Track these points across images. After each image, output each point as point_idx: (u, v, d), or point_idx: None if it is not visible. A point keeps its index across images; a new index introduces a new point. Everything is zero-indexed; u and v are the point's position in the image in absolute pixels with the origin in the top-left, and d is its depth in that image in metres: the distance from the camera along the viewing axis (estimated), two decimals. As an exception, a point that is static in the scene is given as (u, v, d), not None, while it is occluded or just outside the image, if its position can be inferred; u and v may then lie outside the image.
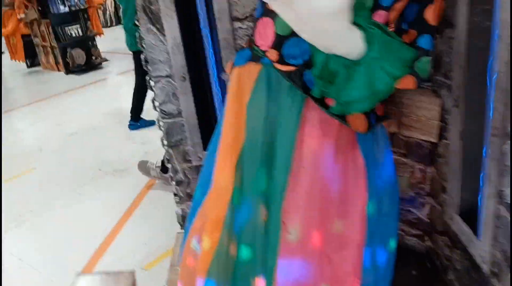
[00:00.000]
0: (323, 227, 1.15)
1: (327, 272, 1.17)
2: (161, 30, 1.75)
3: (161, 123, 1.91)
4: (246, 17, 1.75)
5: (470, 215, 1.28)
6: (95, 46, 6.52)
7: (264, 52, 1.12)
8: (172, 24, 1.72)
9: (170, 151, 1.96)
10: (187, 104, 1.86)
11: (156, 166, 3.14)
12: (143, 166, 3.21)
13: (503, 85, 0.98)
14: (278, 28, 1.07)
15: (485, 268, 1.16)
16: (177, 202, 2.18)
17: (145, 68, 1.94)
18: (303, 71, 1.06)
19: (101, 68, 6.64)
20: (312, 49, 0.96)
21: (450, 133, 1.28)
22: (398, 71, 0.86)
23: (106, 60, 6.61)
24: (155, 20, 1.73)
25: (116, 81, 6.26)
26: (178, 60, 1.79)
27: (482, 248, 1.17)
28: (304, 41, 1.04)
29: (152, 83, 1.88)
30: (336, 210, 1.14)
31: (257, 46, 1.14)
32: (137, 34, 1.85)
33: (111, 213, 2.94)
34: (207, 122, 1.97)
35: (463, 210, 1.31)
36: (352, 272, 1.18)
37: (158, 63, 1.81)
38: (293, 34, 1.04)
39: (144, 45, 1.85)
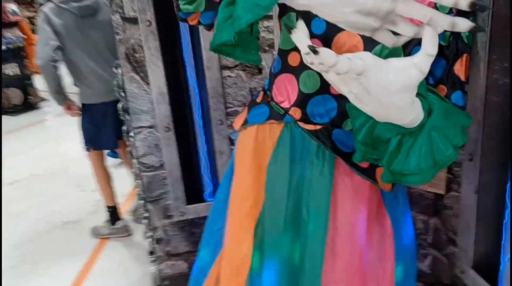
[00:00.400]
0: None
1: None
2: (144, 78, 1.64)
3: (142, 176, 1.76)
4: (236, 65, 1.70)
5: (485, 270, 1.27)
6: (33, 85, 6.14)
7: (285, 109, 1.05)
8: (157, 72, 1.62)
9: (150, 206, 1.80)
10: (170, 155, 1.74)
11: (104, 222, 2.92)
12: (95, 231, 2.99)
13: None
14: (302, 86, 1.01)
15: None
16: (152, 261, 2.00)
17: (122, 118, 1.80)
18: (331, 131, 1.01)
19: (38, 108, 6.24)
20: (349, 110, 0.90)
21: (462, 186, 1.29)
22: (459, 139, 0.82)
23: (44, 99, 6.23)
24: (139, 68, 1.62)
25: (56, 123, 5.89)
26: (163, 109, 1.68)
27: (508, 305, 1.16)
28: (330, 99, 0.99)
29: (131, 134, 1.75)
30: (369, 277, 1.08)
31: (276, 103, 1.07)
32: (115, 82, 1.73)
33: (64, 274, 2.65)
34: (191, 175, 1.85)
35: (477, 265, 1.30)
36: None
37: (140, 113, 1.68)
38: (318, 91, 0.99)
39: (123, 94, 1.72)
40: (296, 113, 1.03)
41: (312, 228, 1.03)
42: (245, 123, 1.13)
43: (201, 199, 1.87)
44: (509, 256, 1.14)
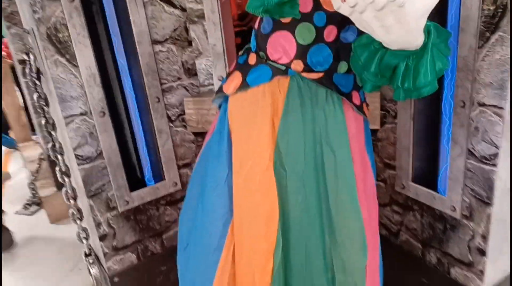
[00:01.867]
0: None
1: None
2: (71, 60, 1.48)
3: (79, 170, 1.60)
4: (166, 39, 1.66)
5: (424, 181, 1.57)
6: None
7: (285, 64, 1.12)
8: (85, 52, 1.49)
9: (90, 202, 1.65)
10: (108, 142, 1.62)
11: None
12: None
13: (469, 66, 1.27)
14: (299, 38, 1.09)
15: (456, 214, 1.46)
16: (91, 263, 1.84)
17: (39, 110, 1.60)
18: (331, 75, 1.12)
19: None
20: (355, 49, 1.03)
21: (399, 114, 1.54)
22: (448, 51, 1.02)
23: None
24: (64, 50, 1.46)
25: None
26: (95, 93, 1.55)
27: (451, 199, 1.46)
28: (324, 47, 1.11)
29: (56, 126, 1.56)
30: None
31: (274, 61, 1.13)
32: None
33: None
34: (128, 161, 1.75)
35: (416, 179, 1.60)
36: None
37: (70, 100, 1.52)
38: (314, 42, 1.10)
39: (37, 83, 1.53)
40: (298, 65, 1.11)
41: (340, 160, 1.13)
42: (245, 85, 1.16)
43: (142, 185, 1.79)
44: (448, 164, 1.44)
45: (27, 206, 3.41)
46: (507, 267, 1.54)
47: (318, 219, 1.17)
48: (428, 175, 1.56)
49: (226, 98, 1.25)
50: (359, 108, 1.16)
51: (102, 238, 1.72)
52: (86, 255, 1.85)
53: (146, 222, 1.82)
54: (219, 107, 1.32)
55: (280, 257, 1.15)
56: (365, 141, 1.26)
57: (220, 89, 1.26)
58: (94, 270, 1.84)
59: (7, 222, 3.09)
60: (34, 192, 3.40)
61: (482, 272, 1.45)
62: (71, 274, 2.68)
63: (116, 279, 1.79)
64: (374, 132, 1.66)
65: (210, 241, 1.25)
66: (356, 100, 1.16)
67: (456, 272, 1.55)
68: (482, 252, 1.43)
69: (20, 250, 2.97)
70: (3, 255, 2.87)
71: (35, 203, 3.41)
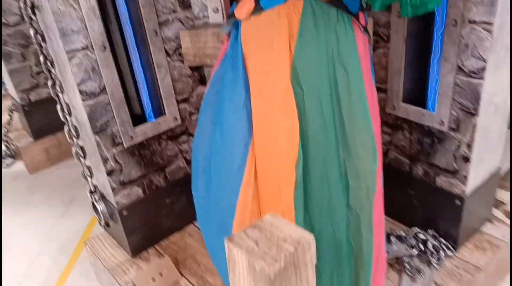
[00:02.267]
0: None
1: None
2: (70, -8, 1.45)
3: (84, 107, 1.60)
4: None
5: (414, 100, 1.71)
6: None
7: None
8: (84, -17, 1.46)
9: (97, 138, 1.68)
10: (111, 77, 1.63)
11: None
12: None
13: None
14: None
15: (444, 127, 1.62)
16: (97, 200, 1.89)
17: (37, 47, 1.57)
18: None
19: None
20: None
21: (392, 37, 1.65)
22: None
23: None
24: (62, -20, 1.43)
25: None
26: (95, 27, 1.54)
27: (439, 114, 1.61)
28: None
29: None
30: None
31: None
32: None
33: None
34: (130, 97, 1.77)
35: (407, 99, 1.73)
36: None
37: (71, 34, 1.50)
38: None
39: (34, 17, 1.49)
40: None
41: (352, 76, 1.22)
42: (259, 9, 1.20)
43: (143, 121, 1.82)
44: (438, 82, 1.58)
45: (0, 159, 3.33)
46: (486, 172, 1.74)
47: (333, 133, 1.27)
48: (418, 94, 1.70)
49: (236, 24, 1.29)
50: (365, 29, 1.25)
51: (109, 173, 1.76)
52: (91, 192, 1.89)
53: (150, 157, 1.88)
54: (229, 34, 1.36)
55: (302, 169, 1.26)
56: (370, 62, 1.36)
57: (232, 15, 1.30)
58: (101, 206, 1.90)
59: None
60: (7, 144, 3.31)
61: (466, 177, 1.64)
62: (63, 219, 2.72)
63: (124, 213, 1.86)
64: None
65: (232, 162, 1.34)
66: (363, 21, 1.24)
67: (442, 181, 1.73)
68: (467, 160, 1.61)
69: (5, 203, 2.94)
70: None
71: (10, 155, 3.34)
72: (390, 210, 2.01)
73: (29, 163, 3.16)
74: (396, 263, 1.79)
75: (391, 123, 1.82)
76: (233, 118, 1.33)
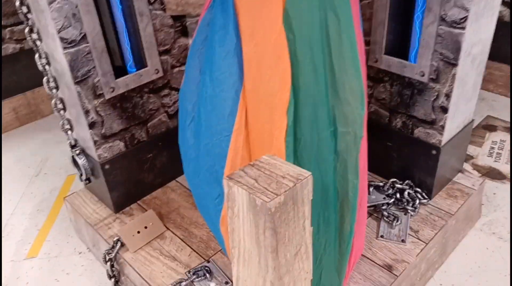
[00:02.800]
0: None
1: None
2: None
3: (64, 55, 1.55)
4: None
5: (398, 52, 1.74)
6: None
7: None
8: None
9: (78, 89, 1.63)
10: (92, 24, 1.58)
11: None
12: None
13: None
14: None
15: (424, 78, 1.67)
16: (78, 154, 1.86)
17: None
18: None
19: None
20: None
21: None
22: None
23: None
24: None
25: None
26: (75, -31, 1.47)
27: (420, 65, 1.66)
28: None
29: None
30: None
31: None
32: None
33: None
34: (112, 47, 1.72)
35: (389, 51, 1.76)
36: None
37: (50, -23, 1.43)
38: None
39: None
40: None
41: (343, 23, 1.23)
42: None
43: (124, 73, 1.78)
44: (427, 29, 1.61)
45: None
46: (461, 123, 1.82)
47: (323, 79, 1.29)
48: (400, 47, 1.73)
49: None
50: None
51: (91, 125, 1.73)
52: (72, 146, 1.86)
53: (132, 110, 1.85)
54: (216, -21, 1.33)
55: (293, 114, 1.27)
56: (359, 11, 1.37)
57: None
58: (82, 161, 1.87)
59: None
60: (-28, 105, 3.15)
61: (443, 127, 1.71)
62: (36, 179, 2.66)
63: (106, 167, 1.83)
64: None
65: (223, 108, 1.34)
66: None
67: (419, 132, 1.80)
68: (445, 110, 1.67)
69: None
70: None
71: (-25, 116, 3.19)
72: (369, 163, 2.10)
73: (-5, 123, 3.04)
74: (374, 212, 1.87)
75: (373, 76, 1.86)
76: (223, 65, 1.32)
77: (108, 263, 1.78)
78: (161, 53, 1.84)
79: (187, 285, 1.59)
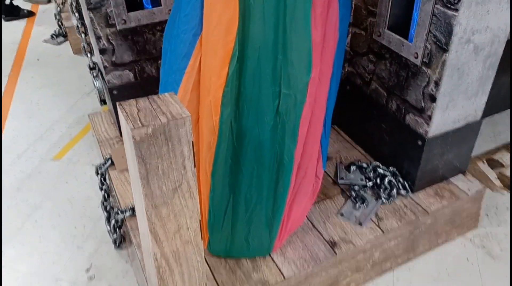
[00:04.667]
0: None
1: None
2: None
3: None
4: None
5: (399, 29, 1.63)
6: None
7: None
8: None
9: (91, 15, 1.81)
10: (108, -43, 1.72)
11: None
12: None
13: None
14: None
15: (417, 61, 1.55)
16: (95, 76, 2.08)
17: None
18: None
19: None
20: None
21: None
22: None
23: None
24: None
25: None
26: None
27: (415, 46, 1.53)
28: None
29: None
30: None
31: None
32: None
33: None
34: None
35: (392, 27, 1.65)
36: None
37: None
38: None
39: None
40: None
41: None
42: None
43: (140, 7, 1.92)
44: (424, 7, 1.48)
45: (53, 36, 3.64)
46: (459, 118, 1.66)
47: (273, 35, 1.29)
48: (402, 23, 1.61)
49: None
50: None
51: (102, 51, 1.91)
52: (91, 69, 2.08)
53: (143, 45, 1.99)
54: None
55: (235, 65, 1.30)
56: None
57: None
58: (97, 83, 2.09)
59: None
60: (60, 24, 3.59)
61: (430, 117, 1.58)
62: (87, 97, 2.99)
63: (115, 92, 2.03)
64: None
65: (180, 49, 1.41)
66: None
67: (410, 118, 1.68)
68: (433, 98, 1.54)
69: (45, 69, 3.28)
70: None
71: (62, 34, 3.64)
72: (363, 140, 2.02)
73: (73, 44, 3.44)
74: (348, 190, 1.82)
75: (376, 51, 1.76)
76: (187, 8, 1.38)
77: (99, 176, 2.01)
78: (177, -5, 1.93)
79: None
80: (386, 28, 1.65)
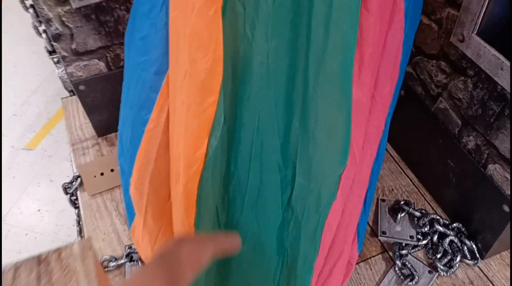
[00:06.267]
0: None
1: None
2: None
3: None
4: None
5: (498, 39, 1.00)
6: None
7: None
8: None
9: (30, -10, 1.24)
10: None
11: None
12: None
13: None
14: None
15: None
16: (56, 62, 1.56)
17: None
18: None
19: None
20: None
21: None
22: None
23: None
24: None
25: None
26: None
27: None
28: None
29: None
30: None
31: None
32: None
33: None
34: None
35: (485, 33, 1.02)
36: None
37: None
38: None
39: None
40: None
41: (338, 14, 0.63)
42: None
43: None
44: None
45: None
46: None
47: (284, 93, 0.73)
48: (503, 30, 0.98)
49: None
50: None
51: (55, 38, 1.37)
52: (50, 53, 1.55)
53: (114, 25, 1.42)
54: None
55: (218, 140, 0.75)
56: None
57: None
58: (59, 71, 1.57)
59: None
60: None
61: (531, 182, 1.02)
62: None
63: (81, 87, 1.51)
64: None
65: (137, 93, 0.88)
66: None
67: (495, 170, 1.12)
68: (543, 161, 0.96)
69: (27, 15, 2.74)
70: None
71: None
72: (416, 165, 1.48)
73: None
74: (390, 248, 1.33)
75: (453, 60, 1.14)
76: (144, 26, 0.81)
77: (68, 196, 1.58)
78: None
79: (116, 267, 1.31)
80: (475, 32, 1.02)
